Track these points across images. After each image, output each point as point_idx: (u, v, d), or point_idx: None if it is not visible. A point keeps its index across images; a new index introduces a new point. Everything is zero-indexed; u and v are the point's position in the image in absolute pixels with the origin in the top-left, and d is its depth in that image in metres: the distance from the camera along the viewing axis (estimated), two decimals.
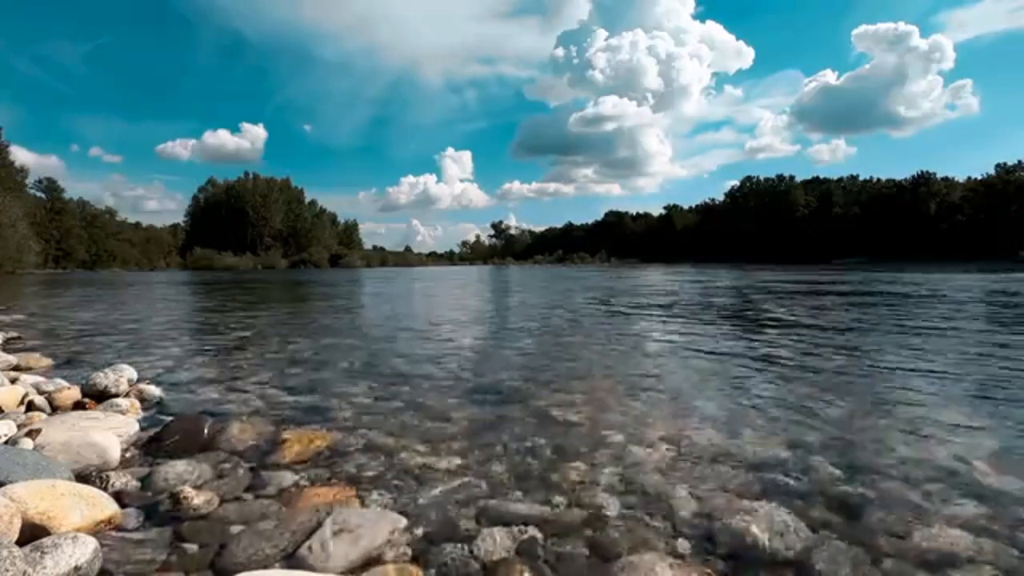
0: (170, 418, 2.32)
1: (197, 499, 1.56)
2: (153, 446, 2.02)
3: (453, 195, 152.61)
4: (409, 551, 1.33)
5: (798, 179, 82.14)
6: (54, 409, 2.42)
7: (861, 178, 77.59)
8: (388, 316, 7.61)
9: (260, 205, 77.80)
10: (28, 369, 3.36)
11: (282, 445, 2.03)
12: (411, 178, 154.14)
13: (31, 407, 2.38)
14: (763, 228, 77.75)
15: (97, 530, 1.37)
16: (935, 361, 3.62)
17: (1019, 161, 60.45)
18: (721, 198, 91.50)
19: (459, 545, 1.35)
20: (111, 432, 1.96)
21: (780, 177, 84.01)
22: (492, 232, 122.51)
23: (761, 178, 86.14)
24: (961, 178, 66.64)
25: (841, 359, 3.75)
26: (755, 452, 1.97)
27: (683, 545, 1.35)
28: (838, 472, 1.78)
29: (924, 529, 1.41)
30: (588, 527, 1.45)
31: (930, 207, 64.54)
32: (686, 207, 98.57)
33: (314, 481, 1.73)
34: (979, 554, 1.30)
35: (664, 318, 6.72)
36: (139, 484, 1.70)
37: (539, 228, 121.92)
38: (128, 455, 1.93)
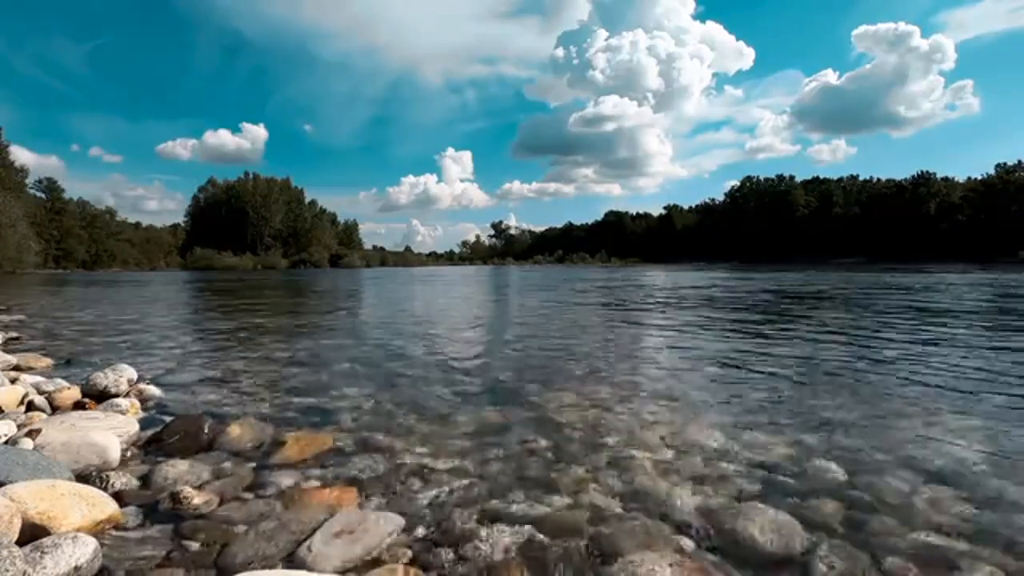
0: (170, 418, 2.31)
1: (197, 499, 1.56)
2: (153, 446, 2.02)
3: (453, 195, 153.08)
4: (409, 552, 1.33)
5: (798, 179, 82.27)
6: (54, 409, 2.42)
7: (861, 178, 77.69)
8: (388, 317, 7.61)
9: (260, 205, 77.82)
10: (28, 369, 3.36)
11: (282, 445, 2.03)
12: (411, 178, 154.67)
13: (31, 407, 2.38)
14: (763, 228, 77.76)
15: (97, 530, 1.37)
16: (935, 361, 3.61)
17: (1019, 161, 60.46)
18: (721, 198, 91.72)
19: (459, 546, 1.35)
20: (111, 432, 1.96)
21: (780, 177, 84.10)
22: (492, 232, 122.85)
23: (761, 178, 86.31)
24: (961, 178, 66.75)
25: (841, 359, 3.75)
26: (755, 452, 1.97)
27: (684, 545, 1.35)
28: (838, 472, 1.78)
29: (924, 530, 1.41)
30: (588, 527, 1.45)
31: (930, 207, 64.53)
32: (686, 207, 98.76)
33: (314, 481, 1.73)
34: (979, 555, 1.30)
35: (664, 318, 6.72)
36: (139, 484, 1.70)
37: (539, 228, 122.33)
38: (128, 455, 1.93)
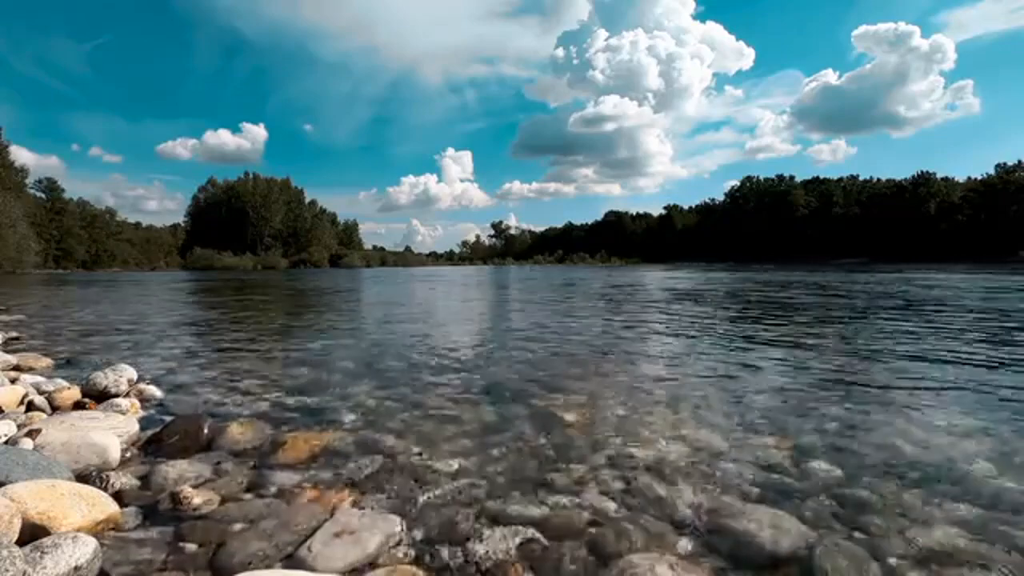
0: (170, 418, 2.31)
1: (197, 499, 1.56)
2: (153, 446, 2.01)
3: (453, 195, 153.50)
4: (409, 552, 1.33)
5: (798, 179, 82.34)
6: (54, 409, 2.42)
7: (861, 178, 77.73)
8: (388, 316, 7.61)
9: (260, 205, 77.86)
10: (28, 369, 3.36)
11: (282, 446, 2.02)
12: (411, 178, 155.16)
13: (31, 407, 2.38)
14: (763, 228, 77.80)
15: (97, 530, 1.37)
16: (935, 362, 3.61)
17: (1019, 161, 60.41)
18: (721, 198, 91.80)
19: (458, 546, 1.35)
20: (111, 432, 1.96)
21: (780, 177, 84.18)
22: (492, 232, 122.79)
23: (761, 178, 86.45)
24: (961, 178, 66.75)
25: (841, 360, 3.75)
26: (755, 452, 1.97)
27: (684, 545, 1.35)
28: (838, 472, 1.78)
29: (924, 529, 1.41)
30: (588, 528, 1.45)
31: (930, 207, 64.51)
32: (686, 207, 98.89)
33: (314, 482, 1.73)
34: (979, 554, 1.30)
35: (664, 317, 6.72)
36: (139, 484, 1.70)
37: (539, 228, 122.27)
38: (128, 455, 1.93)
